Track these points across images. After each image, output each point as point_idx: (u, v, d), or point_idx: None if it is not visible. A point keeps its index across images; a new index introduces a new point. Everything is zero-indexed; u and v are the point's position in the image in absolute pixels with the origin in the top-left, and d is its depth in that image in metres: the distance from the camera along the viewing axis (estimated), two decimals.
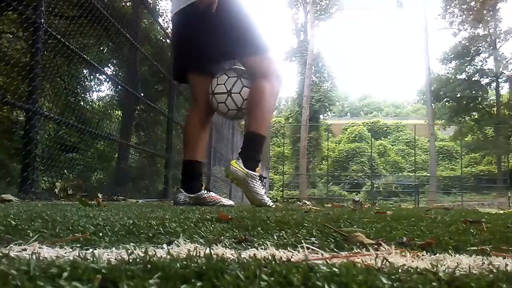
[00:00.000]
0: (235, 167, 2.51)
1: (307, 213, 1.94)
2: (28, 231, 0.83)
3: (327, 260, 0.59)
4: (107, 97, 6.21)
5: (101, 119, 5.24)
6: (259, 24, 2.70)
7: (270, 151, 27.62)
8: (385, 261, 0.56)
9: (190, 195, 2.70)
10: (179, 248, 0.68)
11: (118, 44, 5.08)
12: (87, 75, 5.65)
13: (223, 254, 0.60)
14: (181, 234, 0.87)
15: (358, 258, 0.61)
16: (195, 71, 2.75)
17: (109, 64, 6.02)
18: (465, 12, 26.33)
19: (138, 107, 6.02)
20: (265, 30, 2.80)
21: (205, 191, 2.74)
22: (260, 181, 2.54)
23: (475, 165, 29.05)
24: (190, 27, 2.64)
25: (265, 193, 2.60)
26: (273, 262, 0.53)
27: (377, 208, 3.68)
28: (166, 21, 6.77)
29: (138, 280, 0.40)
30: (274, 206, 2.58)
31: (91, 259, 0.52)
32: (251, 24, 2.65)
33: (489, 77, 27.16)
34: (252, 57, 2.63)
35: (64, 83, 4.81)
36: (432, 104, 26.40)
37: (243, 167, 2.51)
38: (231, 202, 2.84)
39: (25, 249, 0.63)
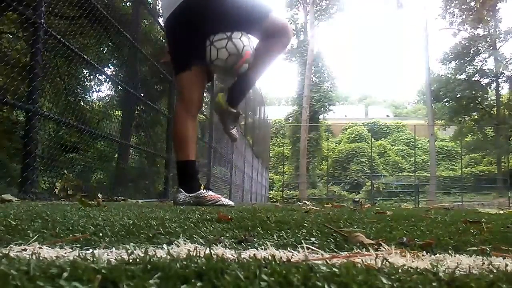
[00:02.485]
0: (220, 99, 2.83)
1: (307, 213, 1.94)
2: (28, 231, 0.83)
3: (327, 260, 0.59)
4: (107, 97, 6.21)
5: (101, 119, 5.23)
6: None
7: (270, 151, 27.63)
8: (385, 261, 0.56)
9: (189, 195, 2.70)
10: (179, 248, 0.68)
11: (118, 44, 5.08)
12: (87, 75, 5.64)
13: (223, 254, 0.60)
14: (181, 234, 0.87)
15: (358, 258, 0.61)
16: (195, 63, 2.75)
17: (109, 64, 6.02)
18: (465, 12, 26.32)
19: (138, 107, 6.02)
20: None
21: (205, 190, 2.74)
22: (235, 117, 2.87)
23: (475, 165, 29.04)
24: (192, 17, 2.65)
25: (234, 128, 2.96)
26: (273, 262, 0.53)
27: (377, 208, 3.68)
28: None
29: (138, 280, 0.40)
30: (237, 138, 2.98)
31: (91, 259, 0.52)
32: None
33: (489, 77, 27.15)
34: (267, 18, 2.69)
35: (64, 83, 4.80)
36: (432, 104, 26.39)
37: (226, 101, 2.81)
38: (231, 202, 2.84)
39: (25, 249, 0.63)
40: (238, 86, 2.83)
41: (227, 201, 2.79)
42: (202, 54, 2.65)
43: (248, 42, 2.63)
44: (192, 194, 2.69)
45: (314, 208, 2.79)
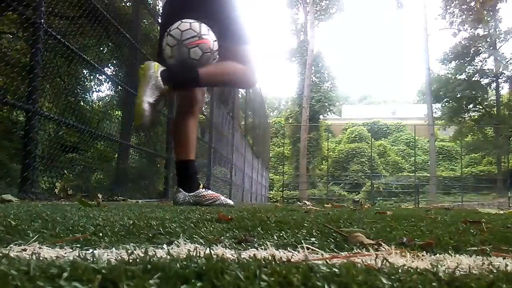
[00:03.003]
0: (154, 65, 2.40)
1: (307, 213, 1.94)
2: (28, 231, 0.83)
3: (327, 260, 0.59)
4: (107, 97, 6.21)
5: (101, 119, 5.23)
6: (245, 14, 2.75)
7: (270, 151, 27.63)
8: (385, 261, 0.56)
9: (189, 194, 2.70)
10: (179, 249, 0.68)
11: (118, 44, 5.08)
12: (87, 75, 5.65)
13: (223, 254, 0.60)
14: (181, 234, 0.87)
15: (358, 259, 0.61)
16: None
17: (109, 64, 6.02)
18: (465, 12, 26.32)
19: None
20: (248, 21, 2.83)
21: (204, 189, 2.74)
22: (157, 91, 2.37)
23: (475, 165, 29.03)
24: (179, 18, 2.66)
25: (151, 103, 2.36)
26: (273, 262, 0.53)
27: (377, 208, 3.68)
28: None
29: (138, 280, 0.40)
30: (147, 118, 2.35)
31: (91, 259, 0.52)
32: (239, 13, 2.71)
33: (489, 77, 27.15)
34: (239, 46, 2.67)
35: (64, 83, 4.80)
36: (432, 104, 26.39)
37: (160, 72, 2.38)
38: (230, 201, 2.84)
39: (25, 249, 0.63)
40: (180, 67, 2.51)
41: (226, 200, 2.79)
42: None
43: (214, 38, 2.56)
44: (192, 194, 2.70)
45: (314, 208, 2.79)
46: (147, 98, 2.36)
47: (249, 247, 0.73)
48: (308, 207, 3.01)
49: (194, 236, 0.85)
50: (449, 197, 23.81)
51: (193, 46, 2.47)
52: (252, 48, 2.73)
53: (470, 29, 27.06)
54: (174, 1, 2.76)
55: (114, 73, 5.86)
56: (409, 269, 0.52)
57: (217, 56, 2.60)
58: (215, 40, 2.55)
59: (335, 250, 0.72)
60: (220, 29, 2.60)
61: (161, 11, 6.83)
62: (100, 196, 3.32)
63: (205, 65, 2.53)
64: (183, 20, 2.51)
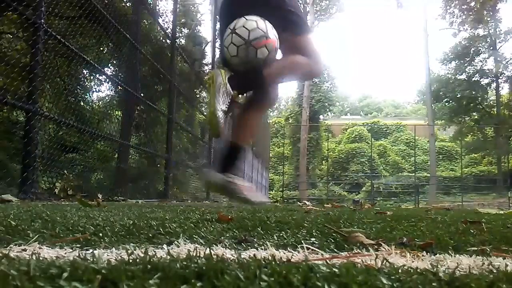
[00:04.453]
0: (220, 72, 2.36)
1: (307, 213, 1.94)
2: (28, 232, 0.83)
3: (327, 260, 0.59)
4: (107, 98, 6.21)
5: (101, 120, 5.23)
6: (299, 3, 2.70)
7: (270, 151, 27.63)
8: (385, 261, 0.56)
9: (219, 175, 2.40)
10: (179, 249, 0.68)
11: (118, 44, 5.08)
12: (87, 75, 5.64)
13: (223, 255, 0.60)
14: (181, 234, 0.87)
15: (358, 259, 0.61)
16: None
17: (109, 65, 6.02)
18: (465, 13, 26.33)
19: (138, 107, 6.02)
20: (303, 10, 2.75)
21: (238, 178, 2.46)
22: (228, 98, 2.35)
23: (475, 166, 29.04)
24: (242, 10, 2.64)
25: (224, 111, 2.45)
26: (273, 262, 0.53)
27: (377, 208, 3.68)
28: (166, 22, 6.78)
29: (138, 280, 0.40)
30: (222, 123, 2.44)
31: (91, 259, 0.52)
32: (295, 3, 2.68)
33: (489, 78, 27.17)
34: (299, 37, 2.64)
35: (64, 83, 4.80)
36: (432, 105, 26.41)
37: (227, 79, 2.38)
38: (264, 199, 2.61)
39: (25, 250, 0.63)
40: (249, 77, 2.46)
41: (258, 198, 2.50)
42: None
43: (277, 35, 2.55)
44: (222, 175, 2.37)
45: (314, 208, 2.79)
46: (220, 106, 2.40)
47: (249, 247, 0.73)
48: (308, 207, 3.01)
49: (194, 236, 0.85)
50: (449, 197, 23.80)
51: (261, 46, 2.46)
52: (312, 37, 2.68)
53: (470, 29, 27.07)
54: (235, 9, 2.72)
55: (114, 73, 5.86)
56: (409, 269, 0.52)
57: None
58: (278, 38, 2.55)
59: (335, 250, 0.72)
60: (279, 21, 2.58)
61: (161, 12, 6.82)
62: (100, 196, 3.32)
63: (270, 64, 2.51)
64: (247, 17, 2.48)
